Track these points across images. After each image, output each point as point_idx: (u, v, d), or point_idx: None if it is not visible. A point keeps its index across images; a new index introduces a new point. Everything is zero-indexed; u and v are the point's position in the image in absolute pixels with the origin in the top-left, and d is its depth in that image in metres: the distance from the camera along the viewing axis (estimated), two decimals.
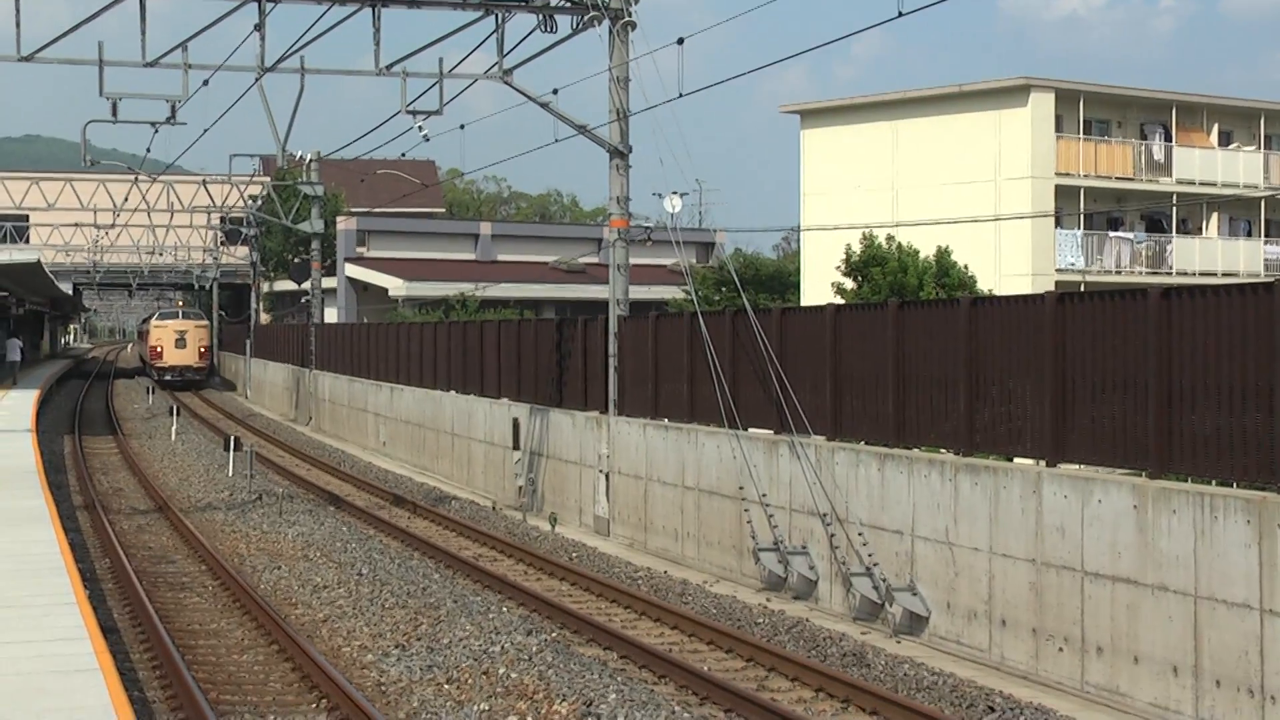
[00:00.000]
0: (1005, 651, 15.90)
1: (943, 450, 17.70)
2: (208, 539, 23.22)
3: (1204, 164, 54.05)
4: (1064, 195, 50.46)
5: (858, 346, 19.37)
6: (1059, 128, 50.60)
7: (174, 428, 43.83)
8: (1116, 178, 52.08)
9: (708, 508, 22.38)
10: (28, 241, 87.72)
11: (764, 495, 20.63)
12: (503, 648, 15.42)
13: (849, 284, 39.12)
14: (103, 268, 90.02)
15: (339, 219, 74.08)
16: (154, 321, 77.07)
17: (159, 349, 74.47)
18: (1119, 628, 14.33)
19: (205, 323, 76.97)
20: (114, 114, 29.39)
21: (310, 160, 54.08)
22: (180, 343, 74.12)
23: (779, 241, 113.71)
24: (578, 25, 25.79)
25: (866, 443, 18.98)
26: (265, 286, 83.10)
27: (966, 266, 39.21)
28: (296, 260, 72.69)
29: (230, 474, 32.22)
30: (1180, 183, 53.14)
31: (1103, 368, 15.17)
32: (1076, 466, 15.64)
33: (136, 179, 59.07)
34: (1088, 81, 52.47)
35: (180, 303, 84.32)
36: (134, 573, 19.61)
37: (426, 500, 30.33)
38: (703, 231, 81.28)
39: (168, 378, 73.09)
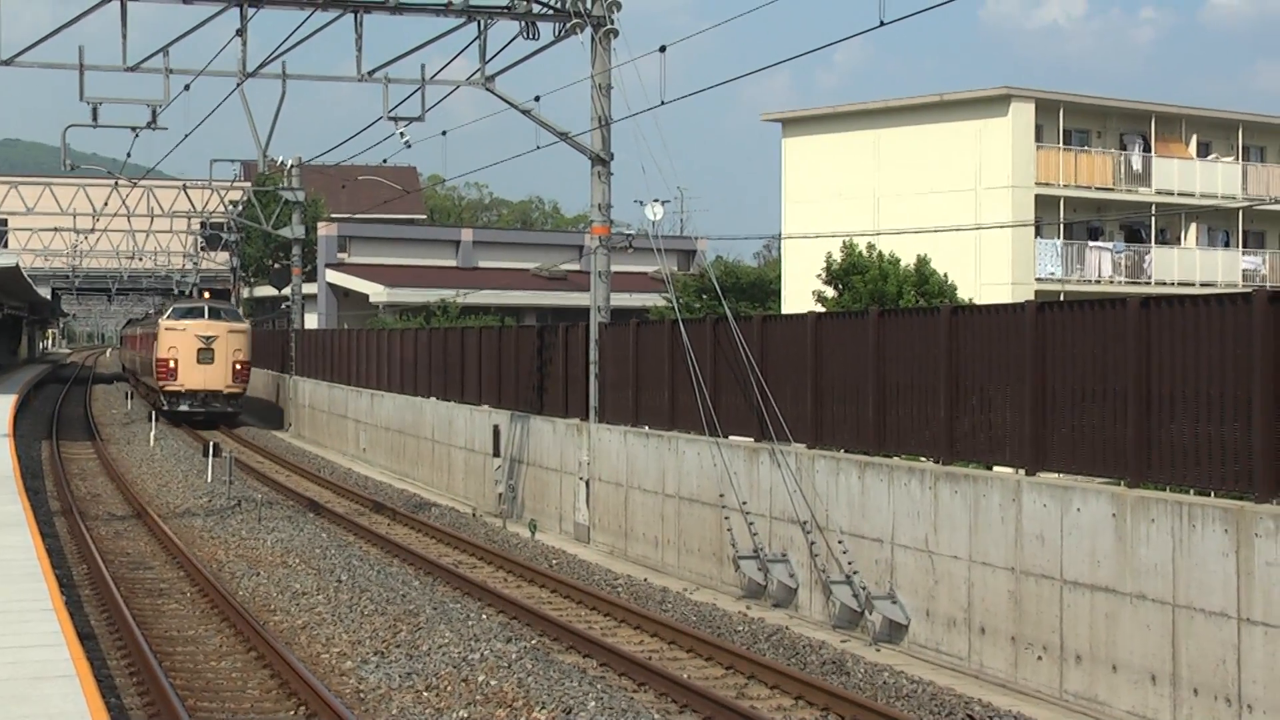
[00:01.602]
0: (984, 659, 15.92)
1: (923, 458, 17.73)
2: (186, 545, 23.14)
3: (1183, 174, 54.28)
4: (1044, 205, 50.63)
5: (838, 354, 19.40)
6: (1039, 137, 50.77)
7: (152, 433, 43.68)
8: (1096, 188, 52.28)
9: (688, 515, 22.38)
10: (6, 246, 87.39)
11: (744, 503, 20.64)
12: (482, 655, 15.39)
13: (830, 292, 39.19)
14: (82, 272, 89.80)
15: (320, 225, 74.00)
16: (164, 322, 51.38)
17: (171, 363, 49.99)
18: (1098, 636, 14.37)
19: (244, 326, 52.49)
20: (94, 118, 29.31)
21: (291, 166, 54.02)
22: (205, 355, 50.00)
23: (760, 249, 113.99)
24: (560, 32, 25.81)
25: (847, 451, 19.00)
26: (245, 292, 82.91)
27: (946, 275, 39.31)
28: (277, 266, 72.54)
29: (209, 480, 32.11)
30: (1159, 193, 53.36)
31: (1082, 377, 15.21)
32: (1056, 475, 15.69)
33: (116, 183, 58.91)
34: (1068, 91, 52.67)
35: (207, 294, 60.36)
36: (111, 579, 19.53)
37: (406, 507, 30.27)
38: (684, 239, 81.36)
39: (183, 407, 50.13)
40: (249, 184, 72.36)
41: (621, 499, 24.70)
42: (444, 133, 34.13)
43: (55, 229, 78.59)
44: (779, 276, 57.94)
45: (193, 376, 49.73)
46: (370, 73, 27.88)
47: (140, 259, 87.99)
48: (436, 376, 36.59)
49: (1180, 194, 53.57)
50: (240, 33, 26.77)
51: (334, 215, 79.39)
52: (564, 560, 23.63)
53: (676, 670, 15.75)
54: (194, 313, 51.33)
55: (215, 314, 51.32)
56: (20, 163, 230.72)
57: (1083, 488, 14.82)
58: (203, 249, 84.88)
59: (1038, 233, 50.19)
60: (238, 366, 50.32)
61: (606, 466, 25.35)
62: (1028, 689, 15.16)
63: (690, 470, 22.30)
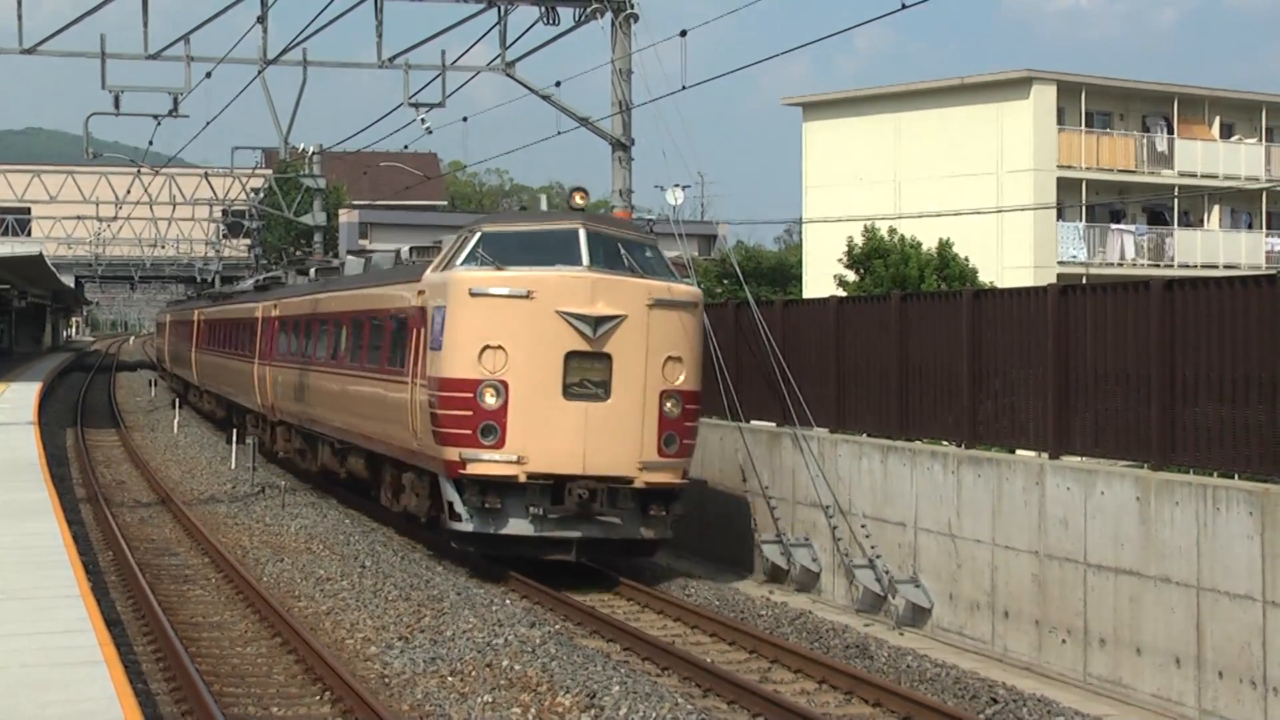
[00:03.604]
0: (1008, 643, 15.91)
1: (945, 442, 17.72)
2: (210, 531, 23.22)
3: (1206, 156, 54.07)
4: (1066, 188, 50.48)
5: (860, 339, 19.38)
6: (1061, 120, 50.62)
7: (176, 420, 43.82)
8: (1118, 170, 52.11)
9: (709, 500, 22.37)
10: (29, 234, 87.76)
11: (766, 487, 20.64)
12: (506, 640, 15.42)
13: (851, 276, 39.14)
14: (104, 260, 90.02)
15: (341, 212, 74.08)
16: (455, 274, 18.80)
17: (485, 398, 18.24)
18: (1121, 619, 14.34)
19: (689, 291, 19.24)
20: (116, 106, 29.46)
21: (312, 153, 54.14)
22: (587, 373, 18.36)
23: (781, 234, 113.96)
24: (580, 17, 25.80)
25: (869, 435, 18.99)
26: None
27: (968, 259, 39.24)
28: (299, 253, 72.67)
29: (233, 466, 32.21)
30: (1182, 175, 53.17)
31: (1105, 360, 15.18)
32: (1079, 459, 15.66)
33: (139, 171, 59.14)
34: (1090, 74, 52.55)
35: (578, 195, 19.92)
36: (137, 565, 19.61)
37: None
38: (705, 224, 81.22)
39: (513, 527, 18.50)
40: (270, 171, 72.50)
41: None
42: (465, 119, 34.11)
43: (78, 217, 78.83)
44: (800, 261, 57.89)
45: (549, 437, 18.47)
46: (391, 59, 27.93)
47: (163, 247, 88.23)
48: None
49: (1203, 176, 53.36)
50: (261, 20, 26.86)
51: (355, 202, 79.51)
52: None
53: (700, 654, 15.76)
54: (545, 244, 19.21)
55: (608, 253, 19.18)
56: (43, 151, 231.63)
57: (1106, 471, 14.79)
58: (224, 236, 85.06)
59: (1060, 215, 50.04)
60: (671, 408, 18.83)
61: None
62: (1051, 672, 15.15)
63: (712, 455, 22.30)
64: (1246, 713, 12.95)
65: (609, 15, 25.52)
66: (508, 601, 18.25)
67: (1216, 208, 55.47)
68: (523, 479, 18.32)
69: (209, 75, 28.40)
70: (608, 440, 18.36)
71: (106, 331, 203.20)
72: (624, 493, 18.62)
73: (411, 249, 22.69)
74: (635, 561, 20.23)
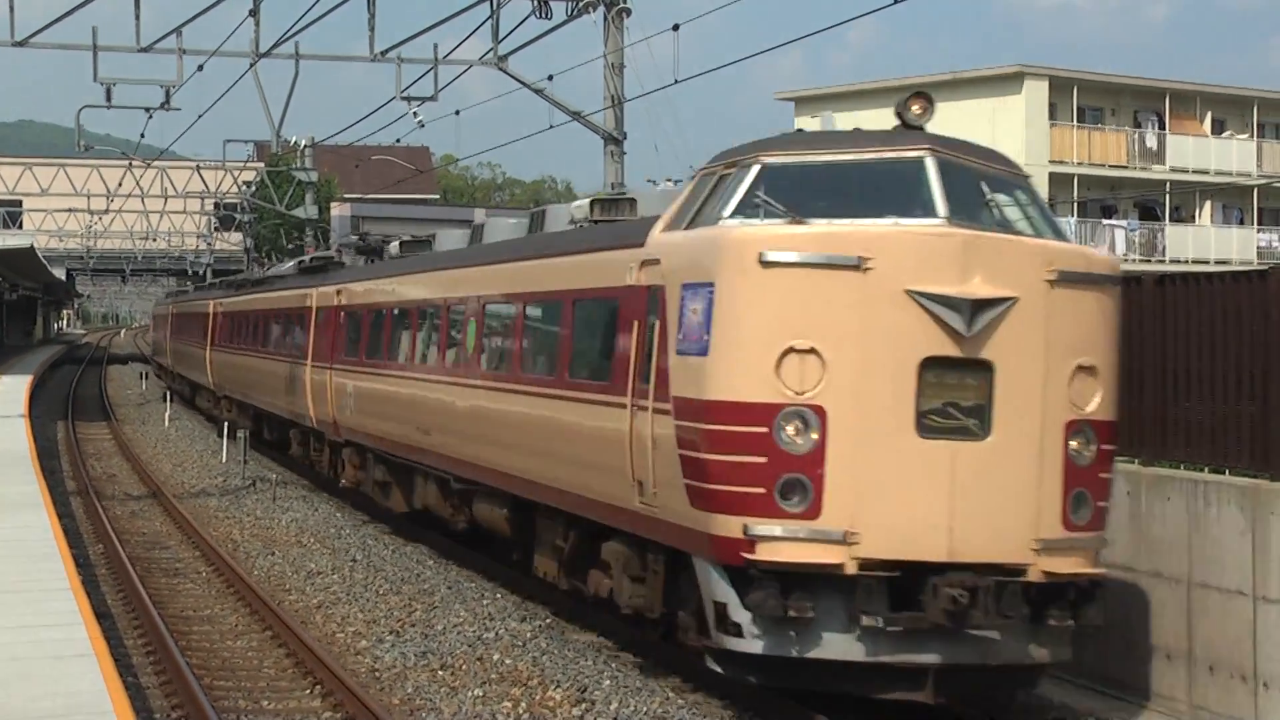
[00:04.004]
0: None
1: None
2: (201, 525, 23.21)
3: (1197, 152, 54.15)
4: (1058, 183, 50.53)
5: None
6: (1053, 115, 50.68)
7: (167, 414, 43.78)
8: (1110, 165, 52.18)
9: None
10: (21, 227, 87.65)
11: None
12: (497, 634, 15.43)
13: None
14: (96, 253, 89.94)
15: (333, 205, 73.99)
16: (758, 238, 11.47)
17: (792, 422, 11.20)
18: (1113, 614, 14.33)
19: (1112, 269, 12.42)
20: (108, 99, 29.45)
21: (304, 146, 54.12)
22: (953, 394, 11.37)
23: None
24: (573, 11, 25.80)
25: None
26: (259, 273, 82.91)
27: None
28: (291, 246, 72.68)
29: (224, 460, 32.18)
30: (1173, 170, 53.26)
31: None
32: None
33: (130, 164, 59.11)
34: (1081, 69, 52.63)
35: (916, 105, 13.40)
36: (127, 558, 19.60)
37: None
38: None
39: (839, 648, 11.28)
40: (262, 164, 72.45)
41: None
42: (457, 112, 34.16)
43: (69, 210, 78.74)
44: None
45: (894, 500, 11.32)
46: (383, 53, 27.95)
47: (154, 240, 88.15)
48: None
49: (1195, 171, 53.45)
50: (253, 13, 26.84)
51: (347, 195, 79.44)
52: None
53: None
54: (868, 182, 12.29)
55: (967, 197, 12.12)
56: (35, 144, 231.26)
57: None
58: (216, 230, 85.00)
59: (1051, 210, 50.11)
60: (1079, 450, 11.83)
61: None
62: None
63: None
64: (1238, 708, 12.97)
65: (601, 9, 25.53)
66: (498, 595, 18.26)
67: (1208, 203, 55.57)
68: (851, 569, 11.33)
69: (201, 68, 28.38)
70: (987, 504, 11.51)
71: (98, 324, 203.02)
72: (1010, 590, 11.53)
73: (593, 202, 15.77)
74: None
